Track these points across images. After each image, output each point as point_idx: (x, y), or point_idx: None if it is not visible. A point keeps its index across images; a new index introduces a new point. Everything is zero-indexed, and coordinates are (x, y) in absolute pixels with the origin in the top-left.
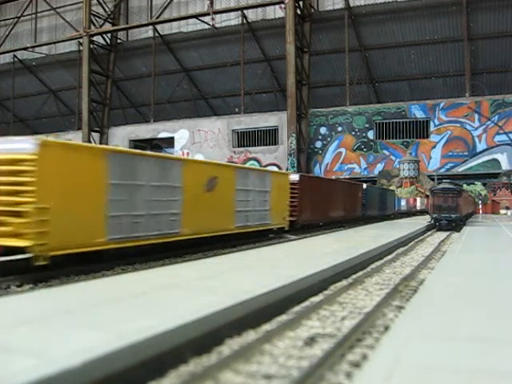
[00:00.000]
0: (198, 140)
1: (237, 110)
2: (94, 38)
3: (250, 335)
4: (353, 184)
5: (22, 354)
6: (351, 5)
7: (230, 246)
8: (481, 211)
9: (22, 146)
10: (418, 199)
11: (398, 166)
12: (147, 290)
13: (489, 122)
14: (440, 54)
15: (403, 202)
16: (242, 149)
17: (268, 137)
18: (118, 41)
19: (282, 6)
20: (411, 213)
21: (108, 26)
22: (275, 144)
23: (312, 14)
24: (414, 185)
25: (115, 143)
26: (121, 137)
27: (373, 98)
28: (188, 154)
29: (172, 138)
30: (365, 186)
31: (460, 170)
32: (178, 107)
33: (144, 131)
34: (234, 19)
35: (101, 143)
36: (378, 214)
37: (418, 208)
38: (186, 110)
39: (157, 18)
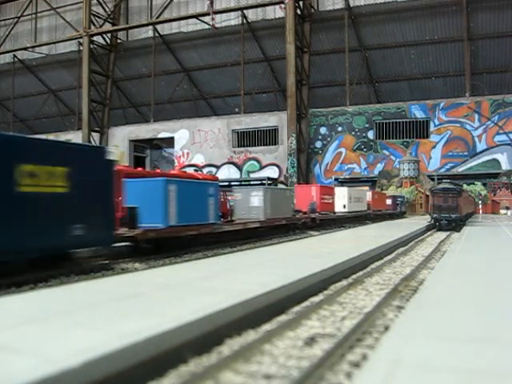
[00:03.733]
0: (198, 140)
1: (237, 110)
2: (94, 38)
3: (250, 335)
4: None
5: (22, 354)
6: (351, 5)
7: (230, 246)
8: (481, 211)
9: None
10: (340, 190)
11: (397, 166)
12: (147, 289)
13: (489, 122)
14: (440, 53)
15: (257, 201)
16: (242, 149)
17: (268, 137)
18: (118, 41)
19: (282, 6)
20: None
21: (108, 26)
22: (275, 144)
23: (312, 14)
24: (414, 185)
25: (115, 143)
26: (121, 137)
27: (373, 98)
28: (188, 154)
29: (172, 138)
30: None
31: (460, 170)
32: (178, 107)
33: (144, 131)
34: (234, 19)
35: (101, 143)
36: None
37: (341, 210)
38: (186, 110)
39: (157, 18)
